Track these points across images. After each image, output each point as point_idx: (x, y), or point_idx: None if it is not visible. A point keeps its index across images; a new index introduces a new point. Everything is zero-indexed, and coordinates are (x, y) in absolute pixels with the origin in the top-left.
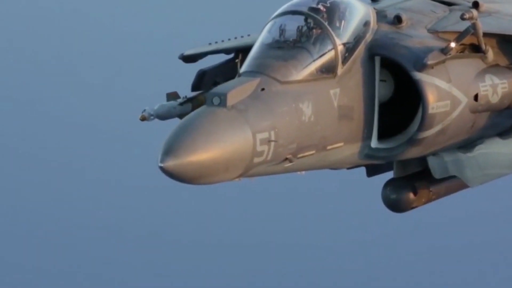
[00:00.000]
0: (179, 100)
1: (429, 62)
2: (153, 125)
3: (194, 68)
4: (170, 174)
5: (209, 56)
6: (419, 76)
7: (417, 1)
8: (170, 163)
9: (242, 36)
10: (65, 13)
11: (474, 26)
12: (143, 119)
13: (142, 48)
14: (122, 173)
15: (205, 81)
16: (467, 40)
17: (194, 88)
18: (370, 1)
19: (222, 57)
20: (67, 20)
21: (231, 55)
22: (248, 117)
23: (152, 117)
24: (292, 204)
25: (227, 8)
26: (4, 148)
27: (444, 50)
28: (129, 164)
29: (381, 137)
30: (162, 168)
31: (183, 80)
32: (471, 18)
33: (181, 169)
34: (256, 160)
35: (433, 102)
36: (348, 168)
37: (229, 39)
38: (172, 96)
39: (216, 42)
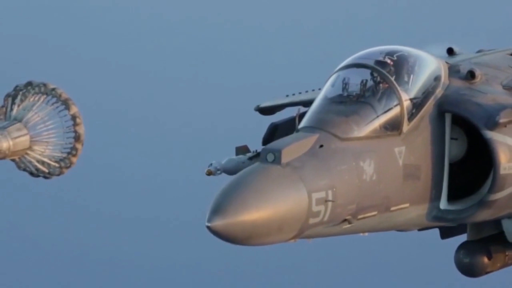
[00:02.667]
0: (249, 155)
1: (502, 120)
2: (220, 181)
3: (267, 121)
4: (218, 234)
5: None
6: (491, 134)
7: (495, 55)
8: (218, 223)
9: (320, 89)
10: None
11: None
12: (209, 173)
13: (213, 97)
14: (191, 231)
15: (278, 135)
16: None
17: (266, 142)
18: (446, 54)
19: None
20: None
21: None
22: (303, 175)
23: (219, 172)
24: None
25: (305, 56)
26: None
27: None
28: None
29: (450, 198)
30: (209, 228)
31: (256, 133)
32: None
33: (230, 229)
34: (312, 221)
35: (505, 162)
36: (419, 230)
37: (306, 91)
38: (242, 150)
39: (293, 94)
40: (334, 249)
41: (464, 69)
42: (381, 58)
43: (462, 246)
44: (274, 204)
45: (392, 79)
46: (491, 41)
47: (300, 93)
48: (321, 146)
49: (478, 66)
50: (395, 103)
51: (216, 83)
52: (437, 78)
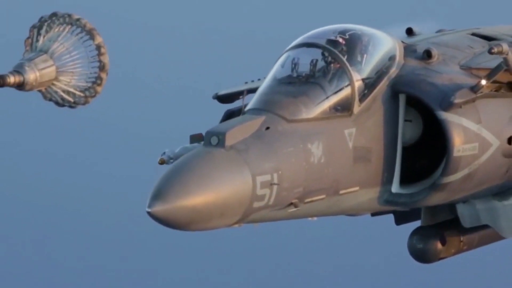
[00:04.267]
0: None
1: (456, 101)
2: None
3: (226, 109)
4: (159, 220)
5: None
6: (445, 115)
7: (455, 35)
8: (158, 208)
9: None
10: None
11: (506, 61)
12: (162, 162)
13: (171, 84)
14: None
15: None
16: (504, 77)
17: None
18: (406, 35)
19: None
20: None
21: None
22: (248, 158)
23: (171, 161)
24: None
25: (265, 42)
26: None
27: (474, 88)
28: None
29: (404, 182)
30: (149, 214)
31: (214, 122)
32: (500, 53)
33: (171, 214)
34: (256, 204)
35: (459, 144)
36: (372, 215)
37: (265, 78)
38: (196, 138)
39: (252, 81)
40: (275, 235)
41: (420, 48)
42: (333, 37)
43: (415, 232)
44: (216, 188)
45: (344, 58)
46: (452, 21)
47: (259, 79)
48: (267, 128)
49: (436, 46)
50: (346, 83)
51: (175, 69)
52: (391, 58)
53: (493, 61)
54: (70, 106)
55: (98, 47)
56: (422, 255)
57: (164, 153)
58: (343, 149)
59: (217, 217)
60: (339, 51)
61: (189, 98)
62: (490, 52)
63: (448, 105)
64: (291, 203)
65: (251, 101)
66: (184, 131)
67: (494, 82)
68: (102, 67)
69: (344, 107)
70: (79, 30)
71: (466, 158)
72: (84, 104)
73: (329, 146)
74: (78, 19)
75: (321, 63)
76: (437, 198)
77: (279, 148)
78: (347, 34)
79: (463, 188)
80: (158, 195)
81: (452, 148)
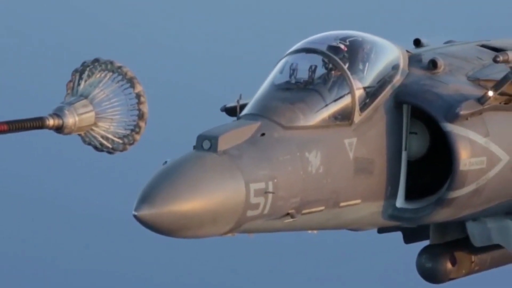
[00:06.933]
0: None
1: (462, 112)
2: None
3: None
4: (146, 224)
5: None
6: (451, 127)
7: (463, 46)
8: (146, 212)
9: None
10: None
11: None
12: None
13: (179, 96)
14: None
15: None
16: None
17: None
18: (413, 46)
19: None
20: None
21: None
22: (241, 164)
23: None
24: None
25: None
26: None
27: (481, 100)
28: None
29: (411, 197)
30: (136, 217)
31: None
32: (506, 61)
33: (158, 219)
34: (250, 213)
35: (466, 157)
36: (379, 232)
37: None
38: None
39: None
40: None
41: (426, 58)
42: (334, 43)
43: (424, 250)
44: (207, 194)
45: (345, 66)
46: (462, 34)
47: None
48: (263, 134)
49: (442, 56)
50: (346, 91)
51: (183, 77)
52: (395, 67)
53: (502, 73)
54: (109, 152)
55: (138, 96)
56: (431, 275)
57: (166, 162)
58: (343, 159)
59: (209, 225)
60: (339, 58)
61: (197, 106)
62: (495, 60)
63: (453, 117)
64: (288, 213)
65: (247, 106)
66: (189, 140)
67: (503, 94)
68: (141, 116)
69: (344, 116)
70: (120, 77)
71: (474, 173)
72: (122, 150)
73: (328, 156)
74: (119, 67)
75: (321, 70)
76: (443, 214)
77: (275, 155)
78: (348, 41)
79: (471, 204)
80: (146, 198)
81: (458, 162)
